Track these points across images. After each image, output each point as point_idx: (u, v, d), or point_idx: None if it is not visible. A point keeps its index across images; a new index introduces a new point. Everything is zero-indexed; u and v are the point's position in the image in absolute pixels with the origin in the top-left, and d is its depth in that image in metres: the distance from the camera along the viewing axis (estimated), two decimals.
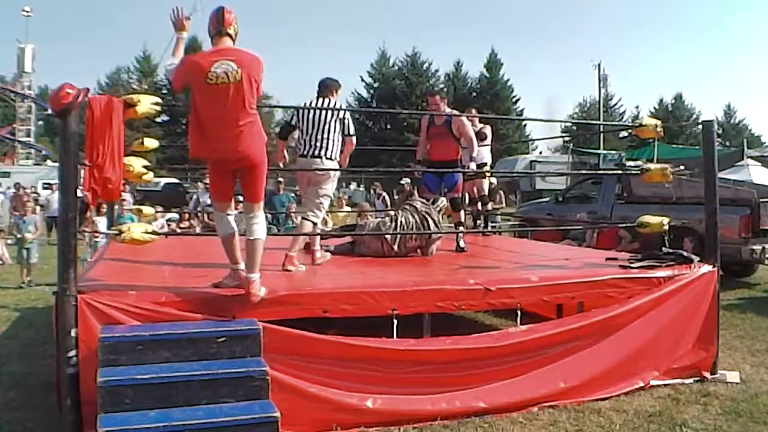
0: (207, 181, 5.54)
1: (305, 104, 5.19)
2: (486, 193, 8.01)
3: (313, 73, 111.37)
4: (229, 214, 4.03)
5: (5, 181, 24.29)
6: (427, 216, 6.01)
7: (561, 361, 4.38)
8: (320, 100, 5.22)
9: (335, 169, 5.25)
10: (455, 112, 6.57)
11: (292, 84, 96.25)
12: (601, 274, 4.84)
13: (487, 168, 8.16)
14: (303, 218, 5.23)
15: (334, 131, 5.11)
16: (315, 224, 5.17)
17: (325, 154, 5.06)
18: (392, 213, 6.37)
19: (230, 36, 3.84)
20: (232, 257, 3.99)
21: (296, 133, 5.36)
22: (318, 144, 5.07)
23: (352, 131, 5.22)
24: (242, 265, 3.92)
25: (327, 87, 5.26)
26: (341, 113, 5.15)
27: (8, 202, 16.99)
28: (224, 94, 3.65)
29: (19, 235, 9.98)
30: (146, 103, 4.17)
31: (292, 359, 3.79)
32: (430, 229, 5.92)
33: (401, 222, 5.92)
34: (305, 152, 5.11)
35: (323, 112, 5.10)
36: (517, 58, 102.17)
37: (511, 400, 4.17)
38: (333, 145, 5.10)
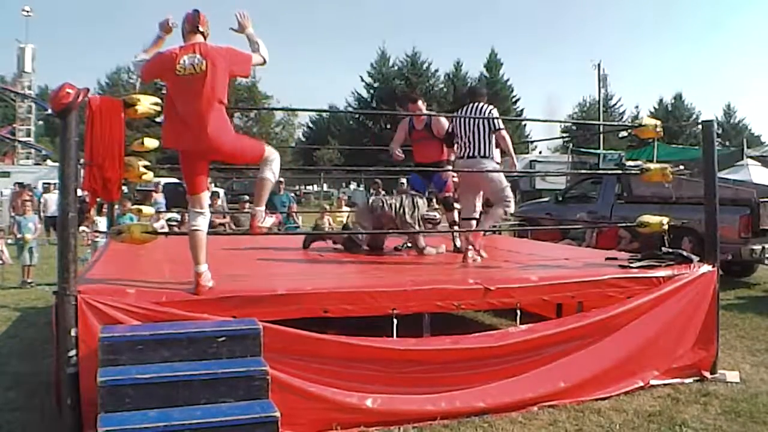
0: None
1: (459, 112, 5.79)
2: None
3: (313, 73, 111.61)
4: (199, 212, 4.03)
5: (5, 181, 24.27)
6: (407, 207, 6.06)
7: (561, 361, 4.37)
8: (471, 105, 5.74)
9: (334, 168, 5.34)
10: (432, 113, 6.67)
11: (292, 84, 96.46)
12: (601, 273, 4.84)
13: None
14: (495, 209, 5.71)
15: (485, 131, 5.58)
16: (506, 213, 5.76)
17: (481, 153, 5.56)
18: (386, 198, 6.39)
19: (202, 34, 3.94)
20: (194, 257, 3.98)
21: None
22: (474, 145, 5.57)
23: (496, 126, 5.60)
24: (202, 267, 3.93)
25: (476, 93, 5.90)
26: (488, 115, 5.61)
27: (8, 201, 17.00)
28: (191, 85, 3.76)
29: (19, 235, 9.98)
30: (146, 103, 4.18)
31: (292, 359, 3.79)
32: (405, 215, 5.99)
33: (391, 203, 6.07)
34: (463, 154, 5.67)
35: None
36: (517, 58, 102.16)
37: (511, 400, 4.17)
38: (487, 144, 5.59)
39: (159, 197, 11.03)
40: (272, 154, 4.14)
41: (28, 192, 15.62)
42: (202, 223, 4.03)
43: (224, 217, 11.13)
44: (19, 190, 15.80)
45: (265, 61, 4.10)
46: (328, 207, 14.05)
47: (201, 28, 3.92)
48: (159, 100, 4.38)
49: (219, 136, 3.86)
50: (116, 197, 4.42)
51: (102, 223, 9.29)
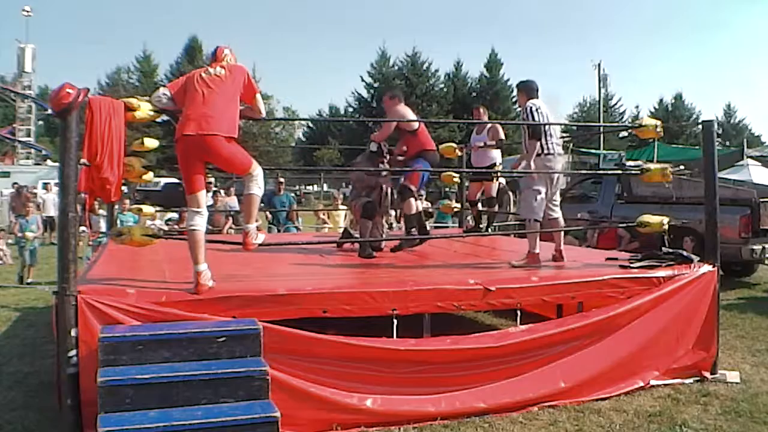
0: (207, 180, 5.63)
1: (538, 108, 5.30)
2: (495, 195, 7.82)
3: (314, 73, 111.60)
4: (197, 211, 4.06)
5: (5, 181, 24.27)
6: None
7: (561, 361, 4.38)
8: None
9: (334, 168, 5.29)
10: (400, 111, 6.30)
11: (292, 84, 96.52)
12: (601, 274, 4.84)
13: (497, 169, 7.98)
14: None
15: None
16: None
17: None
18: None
19: (223, 60, 4.37)
20: (194, 257, 4.01)
21: None
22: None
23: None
24: (202, 266, 3.96)
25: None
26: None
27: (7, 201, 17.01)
28: (214, 83, 4.10)
29: (20, 234, 10.00)
30: (145, 109, 4.20)
31: (292, 359, 3.79)
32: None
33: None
34: (556, 150, 5.37)
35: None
36: (518, 58, 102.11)
37: (511, 400, 4.17)
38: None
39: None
40: (257, 169, 4.23)
41: (29, 194, 15.60)
42: (199, 222, 4.05)
43: (226, 219, 11.10)
44: (21, 192, 15.77)
45: (261, 113, 4.51)
46: (323, 206, 13.90)
47: (221, 63, 4.29)
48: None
49: (221, 126, 3.95)
50: (115, 199, 4.42)
51: (101, 222, 9.32)
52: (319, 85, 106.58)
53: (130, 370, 3.27)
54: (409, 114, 6.17)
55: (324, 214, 13.01)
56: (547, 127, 5.32)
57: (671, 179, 5.45)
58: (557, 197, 5.56)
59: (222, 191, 12.00)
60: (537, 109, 5.32)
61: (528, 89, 5.56)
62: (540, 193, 5.31)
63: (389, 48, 45.75)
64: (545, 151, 5.29)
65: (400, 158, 6.32)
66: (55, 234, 8.87)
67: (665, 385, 4.69)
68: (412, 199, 6.06)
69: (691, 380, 4.81)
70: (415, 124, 6.15)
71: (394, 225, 10.52)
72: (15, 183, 18.63)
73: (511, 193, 11.99)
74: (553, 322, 4.61)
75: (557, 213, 5.55)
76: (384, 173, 6.26)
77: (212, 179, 10.94)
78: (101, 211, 9.88)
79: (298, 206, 20.98)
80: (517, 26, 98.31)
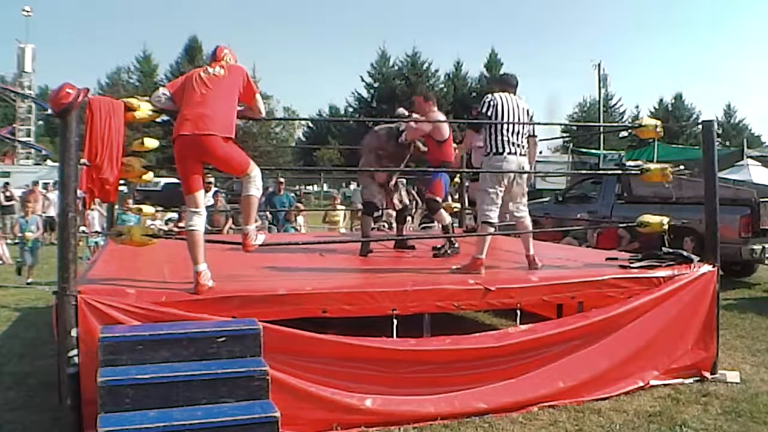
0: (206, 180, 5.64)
1: (491, 101, 5.09)
2: None
3: (314, 73, 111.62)
4: (195, 211, 4.06)
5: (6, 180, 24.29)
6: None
7: (561, 361, 4.38)
8: (515, 96, 5.23)
9: (334, 168, 5.29)
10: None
11: (292, 83, 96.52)
12: (601, 274, 4.84)
13: None
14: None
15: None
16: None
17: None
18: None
19: (223, 59, 4.37)
20: (193, 257, 4.01)
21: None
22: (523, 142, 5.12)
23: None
24: (201, 266, 3.96)
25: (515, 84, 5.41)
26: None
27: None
28: (212, 83, 4.10)
29: (20, 234, 10.01)
30: (145, 109, 4.20)
31: (292, 359, 3.80)
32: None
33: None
34: (515, 150, 5.03)
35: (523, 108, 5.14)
36: (518, 58, 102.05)
37: (511, 400, 4.17)
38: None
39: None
40: (255, 170, 4.21)
41: (40, 191, 15.63)
42: (198, 222, 4.05)
43: (226, 219, 11.10)
44: (34, 190, 15.79)
45: (261, 113, 4.51)
46: (300, 207, 13.62)
47: (221, 63, 4.29)
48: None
49: (218, 126, 3.95)
50: (113, 199, 4.42)
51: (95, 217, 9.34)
52: (319, 85, 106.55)
53: (130, 370, 3.27)
54: (445, 124, 6.12)
55: (300, 215, 12.84)
56: (500, 125, 5.02)
57: (671, 179, 5.45)
58: (522, 198, 5.20)
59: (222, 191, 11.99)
60: (491, 102, 5.06)
61: (501, 83, 5.47)
62: (490, 195, 4.96)
63: (389, 48, 45.79)
64: (494, 151, 4.99)
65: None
66: (55, 234, 8.87)
67: (665, 385, 4.69)
68: (442, 210, 6.16)
69: (691, 380, 4.81)
70: (446, 135, 6.07)
71: (394, 225, 10.52)
72: (7, 183, 18.56)
73: None
74: (553, 322, 4.61)
75: (522, 213, 5.20)
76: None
77: (212, 179, 10.94)
78: (96, 207, 9.89)
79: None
80: (517, 26, 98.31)
